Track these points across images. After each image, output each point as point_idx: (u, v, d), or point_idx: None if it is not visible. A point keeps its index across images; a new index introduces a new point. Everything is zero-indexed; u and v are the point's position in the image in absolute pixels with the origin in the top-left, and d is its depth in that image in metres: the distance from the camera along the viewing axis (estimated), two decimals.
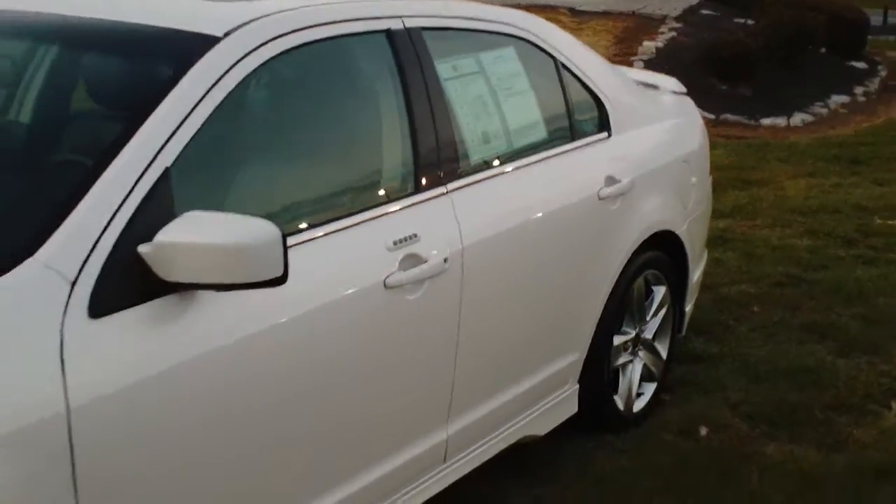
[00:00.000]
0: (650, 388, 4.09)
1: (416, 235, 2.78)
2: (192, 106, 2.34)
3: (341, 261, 2.57)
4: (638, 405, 4.02)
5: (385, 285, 2.66)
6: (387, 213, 2.76)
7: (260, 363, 2.34)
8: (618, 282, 3.72)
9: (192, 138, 2.32)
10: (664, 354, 4.14)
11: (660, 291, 4.06)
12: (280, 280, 2.16)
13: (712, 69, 11.42)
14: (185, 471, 2.21)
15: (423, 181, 2.90)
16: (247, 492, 2.39)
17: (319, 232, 2.53)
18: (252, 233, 2.12)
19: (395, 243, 2.71)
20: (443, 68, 3.07)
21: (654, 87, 4.52)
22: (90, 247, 2.09)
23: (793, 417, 4.01)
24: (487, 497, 3.39)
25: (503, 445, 3.36)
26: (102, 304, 2.07)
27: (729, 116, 10.71)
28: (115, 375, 2.07)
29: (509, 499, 3.42)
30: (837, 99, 12.11)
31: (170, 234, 2.12)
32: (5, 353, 1.96)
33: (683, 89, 4.63)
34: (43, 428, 1.95)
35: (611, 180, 3.62)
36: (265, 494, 2.44)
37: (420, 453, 2.93)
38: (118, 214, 2.14)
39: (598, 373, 3.75)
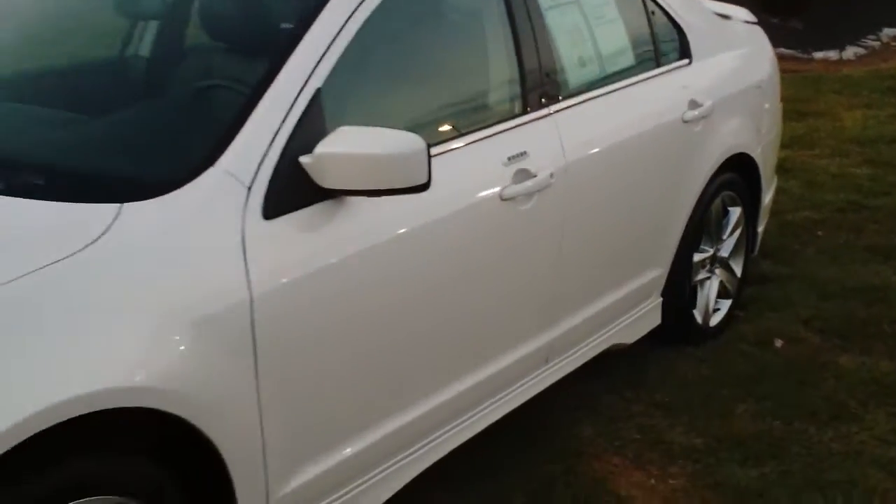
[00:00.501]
0: (726, 305, 4.33)
1: (525, 152, 3.02)
2: (335, 34, 2.58)
3: (464, 174, 2.82)
4: (714, 320, 4.27)
5: (501, 197, 2.92)
6: (500, 132, 3.01)
7: (397, 262, 2.61)
8: (698, 201, 3.95)
9: (337, 62, 2.56)
10: (739, 272, 4.37)
11: (735, 212, 4.28)
12: (424, 187, 2.41)
13: (763, 3, 11.45)
14: (341, 352, 2.50)
15: (530, 103, 3.14)
16: (388, 376, 2.67)
17: (445, 147, 2.78)
18: (401, 143, 2.38)
19: (508, 159, 2.96)
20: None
21: (726, 16, 4.69)
22: (261, 157, 2.35)
23: (863, 331, 4.23)
24: (582, 397, 3.66)
25: (596, 351, 3.63)
26: (272, 207, 2.34)
27: (782, 50, 10.75)
28: (286, 269, 2.34)
29: (600, 399, 3.69)
30: (889, 32, 12.10)
31: (327, 146, 2.38)
32: (197, 249, 2.24)
33: (754, 19, 4.81)
34: (230, 313, 2.23)
35: (693, 104, 3.84)
36: (400, 382, 2.72)
37: (526, 354, 3.20)
38: (281, 130, 2.40)
39: (679, 287, 4.00)
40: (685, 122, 3.79)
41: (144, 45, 3.17)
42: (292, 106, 2.45)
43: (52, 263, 2.04)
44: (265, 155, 2.36)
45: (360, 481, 2.69)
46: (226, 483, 2.30)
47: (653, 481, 3.25)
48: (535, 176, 3.02)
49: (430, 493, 3.03)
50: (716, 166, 4.00)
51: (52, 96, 2.86)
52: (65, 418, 1.94)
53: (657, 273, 3.86)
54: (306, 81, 2.49)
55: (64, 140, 2.56)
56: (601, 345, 3.64)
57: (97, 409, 1.99)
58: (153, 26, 3.18)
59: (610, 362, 3.79)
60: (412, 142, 2.38)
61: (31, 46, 3.10)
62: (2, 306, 1.95)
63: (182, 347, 2.14)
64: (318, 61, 2.53)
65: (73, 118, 2.68)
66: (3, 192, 2.25)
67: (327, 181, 2.39)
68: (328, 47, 2.56)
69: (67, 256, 2.06)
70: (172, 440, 2.20)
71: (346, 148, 2.37)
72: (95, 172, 2.36)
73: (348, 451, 2.61)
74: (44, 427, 1.90)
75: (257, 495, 2.37)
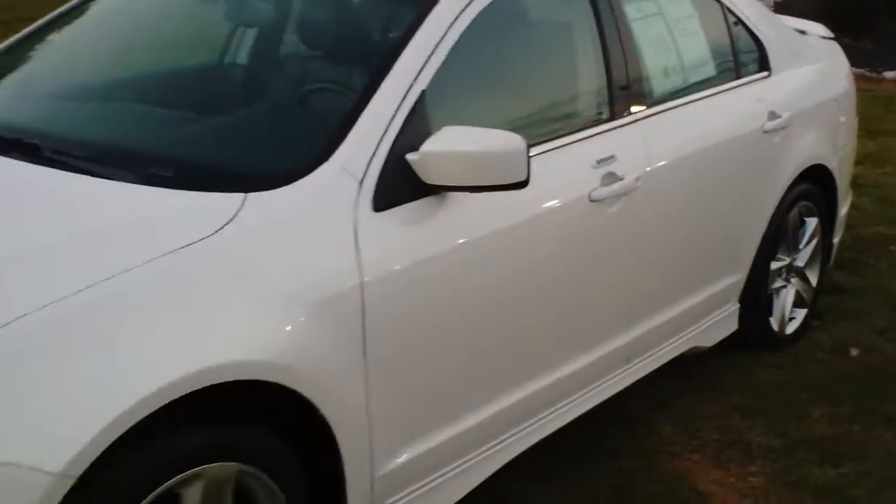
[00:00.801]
0: (801, 314, 4.40)
1: (613, 156, 3.16)
2: (437, 41, 2.74)
3: (557, 174, 2.95)
4: (790, 328, 4.35)
5: (590, 198, 3.05)
6: (590, 136, 3.14)
7: (494, 256, 2.76)
8: (776, 210, 4.05)
9: (440, 67, 2.72)
10: (814, 282, 4.45)
11: (811, 223, 4.37)
12: (523, 184, 2.56)
13: (833, 22, 11.44)
14: (441, 339, 2.65)
15: (617, 110, 3.27)
16: (483, 364, 2.81)
17: (540, 149, 2.92)
18: (503, 142, 2.52)
19: (597, 162, 3.10)
20: (629, 10, 3.43)
21: (803, 32, 4.79)
22: (371, 154, 2.51)
23: None
24: (661, 398, 3.76)
25: (675, 353, 3.73)
26: (381, 200, 2.50)
27: (853, 69, 10.76)
28: (393, 258, 2.50)
29: (679, 400, 3.79)
30: None
31: (433, 145, 2.53)
32: (313, 237, 2.40)
33: (831, 35, 4.90)
34: (342, 296, 2.39)
35: (773, 115, 3.95)
36: (493, 371, 2.86)
37: (609, 352, 3.32)
38: (389, 129, 2.56)
39: (756, 294, 4.09)
40: (765, 132, 3.89)
41: (251, 52, 3.35)
42: (399, 107, 2.60)
43: (186, 246, 2.21)
44: (375, 152, 2.52)
45: (453, 465, 2.82)
46: (335, 457, 2.43)
47: (732, 479, 3.35)
48: (621, 179, 3.15)
49: (517, 482, 3.16)
50: (793, 176, 4.09)
51: (177, 98, 3.05)
52: (197, 387, 2.09)
53: (735, 279, 3.95)
54: (412, 85, 2.65)
55: (193, 136, 2.75)
56: (680, 347, 3.74)
57: (224, 380, 2.15)
58: (253, 34, 3.36)
59: (688, 366, 3.88)
60: (513, 141, 2.53)
61: (150, 52, 3.31)
62: (142, 283, 2.12)
63: (298, 327, 2.30)
64: (423, 66, 2.69)
65: (199, 118, 2.87)
66: (139, 182, 2.43)
67: (432, 177, 2.54)
68: (431, 53, 2.72)
69: (199, 240, 2.24)
70: (291, 415, 2.35)
71: (450, 146, 2.52)
72: (222, 165, 2.54)
73: (443, 435, 2.74)
74: (178, 395, 2.06)
75: (363, 471, 2.52)
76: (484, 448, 2.91)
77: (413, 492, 2.72)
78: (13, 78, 3.24)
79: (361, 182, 2.48)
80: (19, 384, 1.92)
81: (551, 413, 3.12)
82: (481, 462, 2.91)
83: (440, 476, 2.79)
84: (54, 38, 3.40)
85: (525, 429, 3.03)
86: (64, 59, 3.33)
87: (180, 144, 2.70)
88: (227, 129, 2.78)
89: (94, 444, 1.93)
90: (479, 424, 2.84)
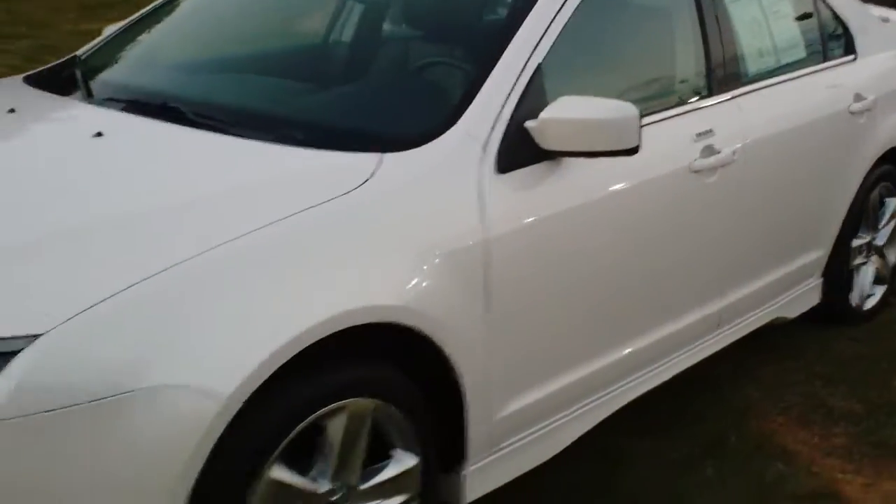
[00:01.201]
0: (880, 290, 4.55)
1: (712, 130, 3.33)
2: (550, 19, 2.93)
3: (661, 144, 3.13)
4: (869, 304, 4.49)
5: (691, 168, 3.22)
6: (690, 111, 3.32)
7: (604, 218, 2.95)
8: (859, 189, 4.19)
9: (554, 42, 2.91)
10: (893, 261, 4.58)
11: (892, 203, 4.51)
12: (634, 150, 2.74)
13: None
14: (554, 293, 2.84)
15: (715, 87, 3.44)
16: (591, 320, 3.01)
17: (645, 120, 3.08)
18: (616, 110, 2.71)
19: (697, 135, 3.27)
20: None
21: (886, 19, 4.91)
22: (493, 121, 2.71)
23: None
24: (745, 365, 3.93)
25: (761, 322, 3.89)
26: (502, 163, 2.70)
27: None
28: (513, 217, 2.69)
29: (763, 368, 3.96)
30: None
31: (551, 112, 2.72)
32: (442, 195, 2.61)
33: None
34: (468, 250, 2.59)
35: (858, 97, 4.09)
36: (600, 327, 3.06)
37: (702, 317, 3.50)
38: (509, 99, 2.76)
39: (838, 270, 4.24)
40: (851, 113, 4.04)
41: (380, 27, 3.57)
42: (517, 79, 2.80)
43: (332, 199, 2.43)
44: (496, 119, 2.72)
45: (560, 415, 3.02)
46: (459, 400, 2.64)
47: (816, 439, 3.51)
48: (719, 152, 3.32)
49: (615, 438, 3.36)
50: (876, 157, 4.23)
51: (314, 68, 3.29)
52: (342, 327, 2.31)
53: (819, 254, 4.11)
54: (528, 59, 2.84)
55: (333, 102, 2.98)
56: (766, 317, 3.91)
57: (365, 321, 2.36)
58: (379, 10, 3.58)
59: (771, 337, 4.04)
60: (626, 109, 2.71)
61: (279, 26, 3.54)
62: (296, 231, 2.34)
63: (429, 276, 2.51)
64: (538, 42, 2.88)
65: (336, 86, 3.11)
66: (288, 143, 2.65)
67: (548, 143, 2.74)
68: (545, 31, 2.91)
69: (343, 194, 2.45)
70: (421, 358, 2.56)
71: (567, 114, 2.72)
72: (361, 128, 2.76)
73: (553, 386, 2.94)
74: (327, 333, 2.28)
75: (483, 414, 2.72)
76: (587, 401, 3.10)
77: (525, 437, 2.92)
78: (147, 49, 3.49)
79: (485, 146, 2.68)
80: (195, 315, 2.14)
81: (649, 372, 3.31)
82: (585, 414, 3.10)
83: (549, 424, 2.99)
84: (180, 12, 3.65)
85: (625, 385, 3.22)
86: (194, 32, 3.56)
87: (323, 110, 2.93)
88: (363, 97, 3.00)
89: (258, 372, 2.15)
90: (584, 378, 3.03)
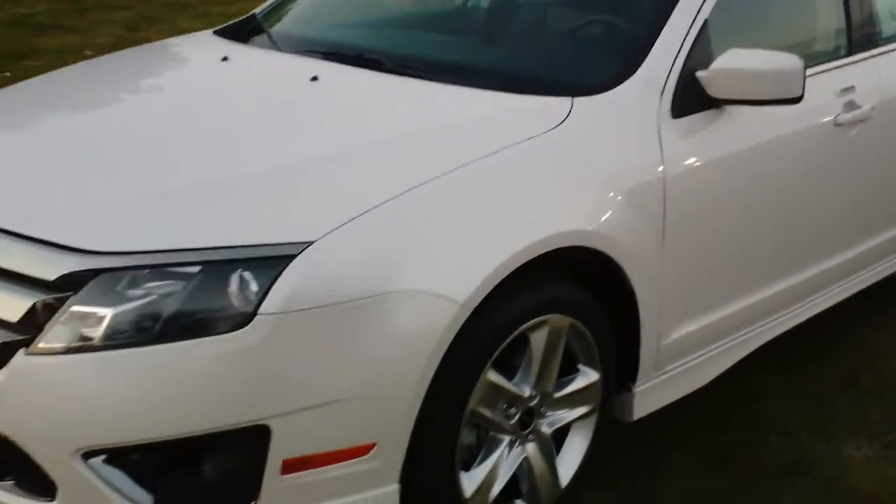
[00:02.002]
0: None
1: (853, 87, 3.56)
2: None
3: (811, 98, 3.34)
4: None
5: (835, 122, 3.47)
6: (834, 68, 3.56)
7: (763, 162, 3.21)
8: None
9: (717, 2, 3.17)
10: None
11: None
12: (798, 99, 2.99)
13: None
14: (720, 229, 3.12)
15: (854, 46, 3.67)
16: (749, 255, 3.27)
17: None
18: (783, 61, 2.97)
19: (840, 91, 3.51)
20: None
21: None
22: (667, 71, 2.98)
23: None
24: (872, 311, 4.16)
25: (892, 271, 4.12)
26: (676, 109, 2.97)
27: None
28: (687, 157, 2.97)
29: (890, 316, 4.19)
30: None
31: (721, 63, 2.98)
32: (626, 135, 2.89)
33: None
34: (649, 185, 2.87)
35: None
36: (755, 263, 3.32)
37: (840, 262, 3.73)
38: (681, 50, 3.02)
39: None
40: None
41: None
42: (688, 32, 3.06)
43: (537, 136, 2.73)
44: (671, 69, 2.99)
45: (717, 345, 3.29)
46: (634, 323, 2.92)
47: None
48: (860, 107, 3.56)
49: (756, 373, 3.61)
50: None
51: (504, 23, 3.57)
52: (548, 249, 2.60)
53: None
54: (697, 13, 3.10)
55: (528, 53, 3.29)
56: (886, 270, 4.13)
57: (564, 245, 2.65)
58: None
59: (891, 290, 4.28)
60: (792, 60, 2.97)
61: None
62: (511, 162, 2.64)
63: (614, 207, 2.79)
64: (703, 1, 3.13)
65: (529, 39, 3.39)
66: (491, 89, 2.95)
67: (717, 91, 3.00)
68: None
69: (544, 132, 2.75)
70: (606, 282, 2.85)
71: (736, 64, 2.97)
72: (554, 76, 3.05)
73: (714, 316, 3.21)
74: (535, 255, 2.56)
75: (653, 337, 3.00)
76: (741, 333, 3.37)
77: (686, 363, 3.19)
78: (327, 7, 3.81)
79: (661, 93, 2.95)
80: (436, 230, 2.45)
81: (794, 310, 3.56)
82: (737, 345, 3.38)
83: (706, 353, 3.26)
84: None
85: (772, 321, 3.49)
86: None
87: (517, 59, 3.24)
88: (553, 47, 3.28)
89: (486, 283, 2.45)
90: (739, 311, 3.30)
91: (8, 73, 7.59)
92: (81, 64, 3.90)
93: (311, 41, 3.45)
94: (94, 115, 3.11)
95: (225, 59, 3.35)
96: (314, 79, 3.06)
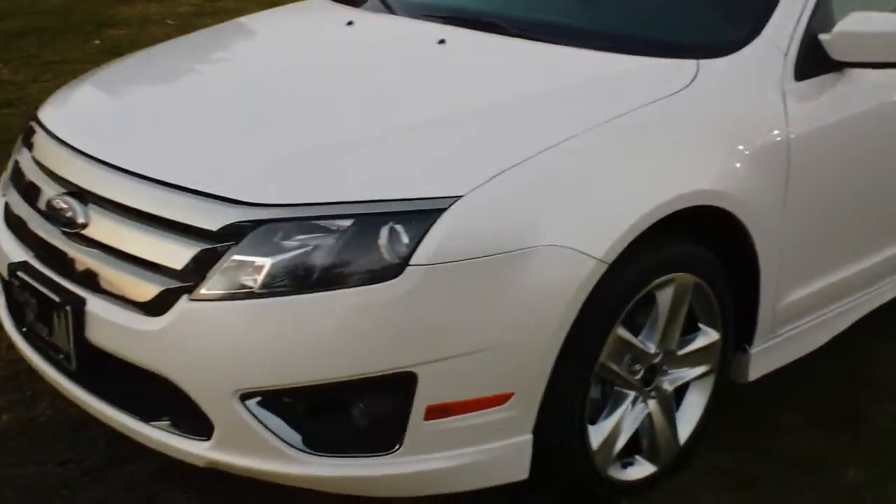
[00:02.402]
0: None
1: None
2: None
3: None
4: None
5: None
6: None
7: (886, 125, 3.23)
8: None
9: None
10: None
11: None
12: None
13: None
14: (845, 192, 3.16)
15: None
16: (867, 219, 3.32)
17: None
18: None
19: None
20: None
21: None
22: (791, 34, 3.01)
23: None
24: None
25: None
26: (799, 71, 3.00)
27: None
28: (811, 118, 3.00)
29: None
30: None
31: (844, 26, 3.00)
32: (752, 96, 2.93)
33: None
34: (774, 146, 2.90)
35: None
36: (871, 227, 3.36)
37: None
38: (803, 13, 3.05)
39: None
40: None
41: None
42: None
43: (666, 97, 2.78)
44: (794, 31, 3.02)
45: (830, 308, 3.32)
46: (754, 285, 2.97)
47: None
48: None
49: (860, 339, 3.65)
50: None
51: None
52: (676, 209, 2.66)
53: None
54: None
55: (654, 17, 3.30)
56: None
57: (692, 204, 2.70)
58: None
59: None
60: None
61: None
62: (645, 121, 2.70)
63: (741, 168, 2.84)
64: None
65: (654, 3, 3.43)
66: (618, 51, 3.01)
67: (840, 54, 3.02)
68: None
69: (674, 93, 2.80)
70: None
71: (861, 27, 2.99)
72: (681, 38, 3.10)
73: (830, 279, 3.25)
74: (664, 214, 2.62)
75: (771, 299, 3.05)
76: (855, 297, 3.40)
77: (800, 325, 3.24)
78: None
79: (786, 55, 2.99)
80: (576, 188, 2.53)
81: None
82: (850, 309, 3.41)
83: (820, 316, 3.30)
84: None
85: (887, 285, 3.51)
86: None
87: (644, 23, 3.27)
88: (679, 9, 3.30)
89: (621, 240, 2.52)
90: (855, 275, 3.33)
91: (97, 42, 7.78)
92: (209, 29, 4.01)
93: (432, 6, 3.52)
94: (240, 76, 3.21)
95: (350, 23, 3.44)
96: (441, 41, 3.14)
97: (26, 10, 8.50)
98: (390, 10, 3.58)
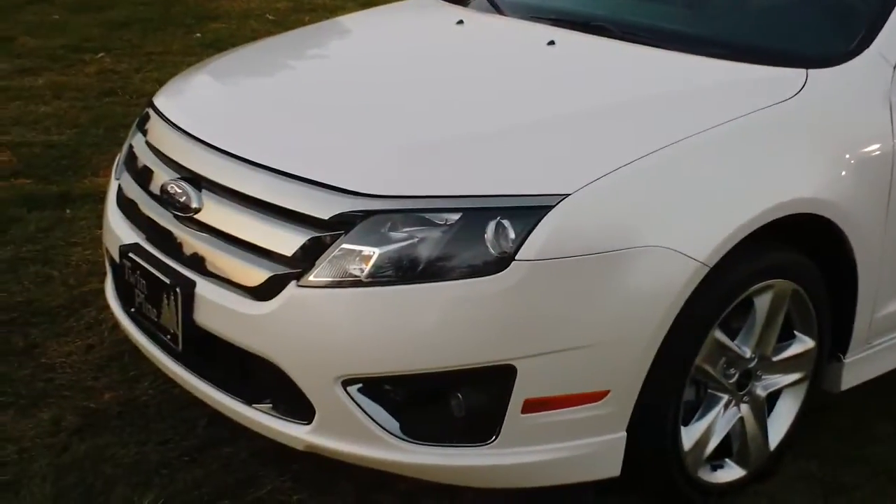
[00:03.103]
0: None
1: None
2: None
3: None
4: None
5: None
6: None
7: None
8: None
9: None
10: None
11: None
12: None
13: None
14: None
15: None
16: None
17: None
18: None
19: None
20: None
21: None
22: None
23: None
24: None
25: None
26: None
27: None
28: None
29: None
30: None
31: None
32: (858, 107, 2.92)
33: None
34: (878, 156, 2.89)
35: None
36: None
37: None
38: None
39: None
40: None
41: None
42: None
43: (775, 104, 2.79)
44: None
45: None
46: (852, 294, 2.95)
47: None
48: None
49: None
50: None
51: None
52: (778, 216, 2.66)
53: None
54: None
55: (764, 24, 3.32)
56: None
57: (795, 211, 2.70)
58: None
59: None
60: None
61: None
62: (751, 129, 2.71)
63: (846, 178, 2.83)
64: None
65: (763, 11, 3.45)
66: (724, 58, 3.02)
67: None
68: None
69: (783, 101, 2.81)
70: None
71: None
72: (790, 47, 3.09)
73: None
74: (768, 220, 2.63)
75: (868, 309, 3.03)
76: None
77: (894, 337, 3.21)
78: None
79: (895, 67, 2.97)
80: (679, 190, 2.55)
81: None
82: None
83: None
84: None
85: None
86: None
87: (753, 31, 3.28)
88: (788, 18, 3.29)
89: (724, 244, 2.54)
90: None
91: (198, 35, 7.96)
92: (316, 25, 4.10)
93: (540, 8, 3.56)
94: (352, 70, 3.28)
95: (460, 22, 3.50)
96: (551, 43, 3.18)
97: (128, 1, 8.73)
98: (499, 10, 3.62)
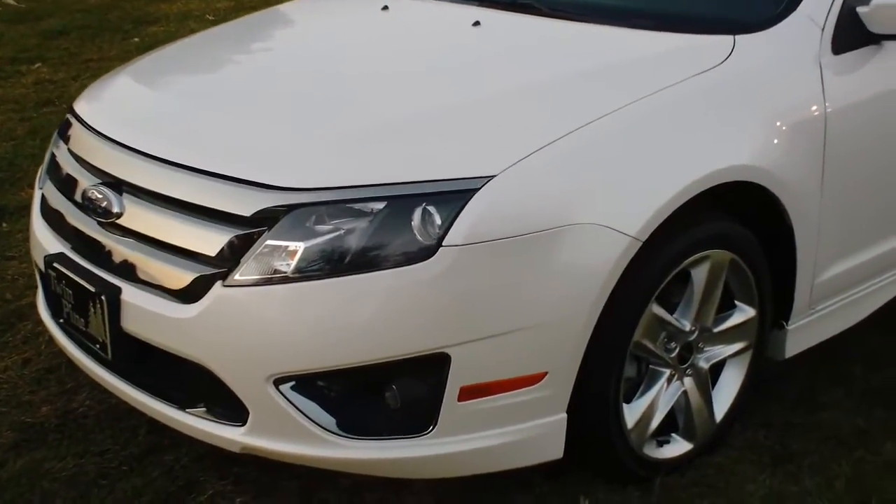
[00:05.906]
0: None
1: None
2: None
3: None
4: None
5: None
6: None
7: None
8: None
9: None
10: None
11: None
12: None
13: None
14: (882, 170, 3.11)
15: None
16: None
17: None
18: None
19: None
20: None
21: None
22: (828, 7, 2.96)
23: None
24: None
25: None
26: (837, 45, 2.96)
27: None
28: (847, 92, 2.95)
29: None
30: None
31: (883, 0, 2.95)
32: (788, 71, 2.89)
33: None
34: (810, 121, 2.87)
35: None
36: None
37: None
38: None
39: None
40: None
41: None
42: None
43: (702, 72, 2.75)
44: (831, 5, 2.98)
45: (867, 285, 3.28)
46: (789, 261, 2.93)
47: None
48: None
49: None
50: None
51: None
52: (709, 186, 2.63)
53: None
54: None
55: None
56: None
57: (726, 180, 2.67)
58: None
59: None
60: None
61: None
62: (678, 99, 2.68)
63: (778, 144, 2.80)
64: None
65: None
66: (650, 28, 2.99)
67: (879, 27, 2.98)
68: None
69: (710, 69, 2.77)
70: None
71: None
72: (715, 14, 3.06)
73: (865, 256, 3.20)
74: (698, 191, 2.60)
75: (808, 275, 3.01)
76: (891, 273, 3.35)
77: (838, 301, 3.20)
78: None
79: (822, 28, 2.95)
80: (607, 167, 2.51)
81: None
82: (889, 284, 3.37)
83: (856, 293, 3.26)
84: None
85: None
86: None
87: (680, 2, 3.24)
88: None
89: (655, 217, 2.51)
90: (893, 250, 3.28)
91: (136, 39, 7.84)
92: (241, 18, 4.03)
93: None
94: (270, 63, 3.23)
95: (385, 7, 3.44)
96: (476, 23, 3.14)
97: (66, 9, 8.59)
98: None
